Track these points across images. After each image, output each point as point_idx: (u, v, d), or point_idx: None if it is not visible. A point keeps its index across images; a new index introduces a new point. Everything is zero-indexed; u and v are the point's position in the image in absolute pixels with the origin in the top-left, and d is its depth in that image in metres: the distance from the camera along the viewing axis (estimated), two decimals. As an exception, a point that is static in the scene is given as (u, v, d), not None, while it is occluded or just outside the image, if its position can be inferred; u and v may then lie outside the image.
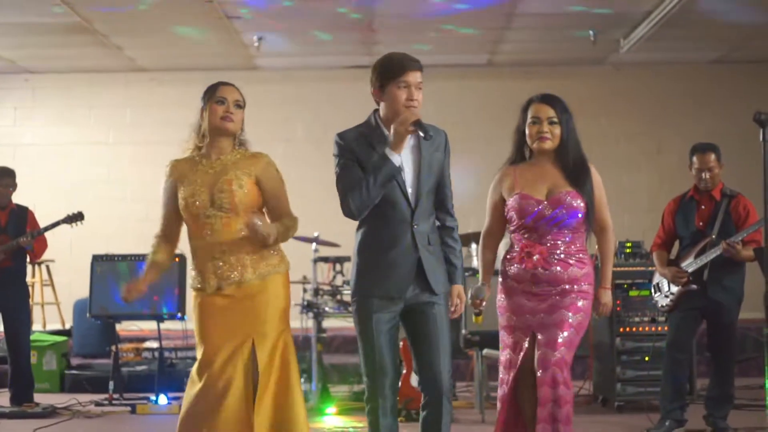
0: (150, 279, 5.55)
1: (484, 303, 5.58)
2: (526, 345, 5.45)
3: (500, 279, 5.63)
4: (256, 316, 5.33)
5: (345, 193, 5.10)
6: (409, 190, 5.13)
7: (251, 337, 5.30)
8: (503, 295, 5.59)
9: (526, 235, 5.49)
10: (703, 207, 7.74)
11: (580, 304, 5.46)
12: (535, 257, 5.43)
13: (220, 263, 5.32)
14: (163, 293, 9.32)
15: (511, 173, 5.59)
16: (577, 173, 5.50)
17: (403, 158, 5.12)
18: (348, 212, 5.11)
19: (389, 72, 5.14)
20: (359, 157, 5.10)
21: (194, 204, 5.33)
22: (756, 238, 7.45)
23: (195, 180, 5.37)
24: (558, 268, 5.44)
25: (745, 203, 7.66)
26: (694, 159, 7.76)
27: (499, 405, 5.59)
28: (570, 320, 5.42)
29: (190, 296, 5.53)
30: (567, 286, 5.45)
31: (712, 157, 7.70)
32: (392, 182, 5.05)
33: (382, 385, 5.13)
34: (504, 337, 5.59)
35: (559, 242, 5.46)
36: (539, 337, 5.43)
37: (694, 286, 7.60)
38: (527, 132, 5.53)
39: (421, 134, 5.02)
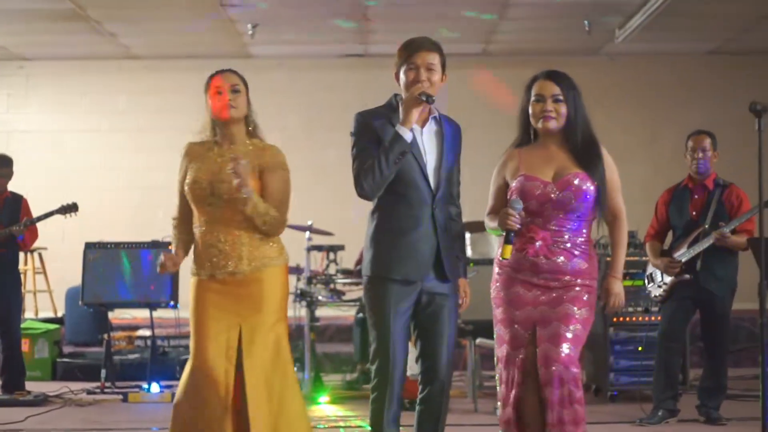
0: (183, 256, 5.51)
1: (519, 221, 4.96)
2: (527, 341, 5.03)
3: (495, 268, 5.22)
4: (248, 306, 5.29)
5: (359, 174, 5.03)
6: (431, 173, 5.10)
7: (239, 325, 5.26)
8: (499, 285, 5.14)
9: (528, 219, 5.04)
10: (696, 197, 7.75)
11: (585, 297, 5.04)
12: (537, 243, 5.00)
13: (216, 251, 5.31)
14: (156, 281, 9.30)
15: (516, 155, 5.17)
16: (587, 155, 5.09)
17: (426, 143, 5.13)
18: (362, 193, 5.05)
19: (401, 55, 5.13)
20: (380, 137, 5.05)
21: (195, 190, 5.30)
22: (749, 228, 7.46)
23: (201, 166, 5.34)
24: (561, 258, 5.02)
25: (738, 193, 7.67)
26: (689, 142, 7.77)
27: (500, 405, 5.16)
28: (576, 314, 5.00)
29: (188, 283, 5.48)
30: (569, 279, 5.03)
31: (708, 140, 7.72)
32: (404, 159, 5.00)
33: (392, 376, 5.07)
34: (500, 332, 5.12)
35: (564, 229, 5.04)
36: (541, 332, 5.01)
37: (687, 276, 7.61)
38: (531, 111, 5.13)
39: (425, 98, 4.98)
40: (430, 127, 5.17)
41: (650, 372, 8.05)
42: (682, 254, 7.61)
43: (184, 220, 5.50)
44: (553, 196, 5.04)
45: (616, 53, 14.38)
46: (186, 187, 5.36)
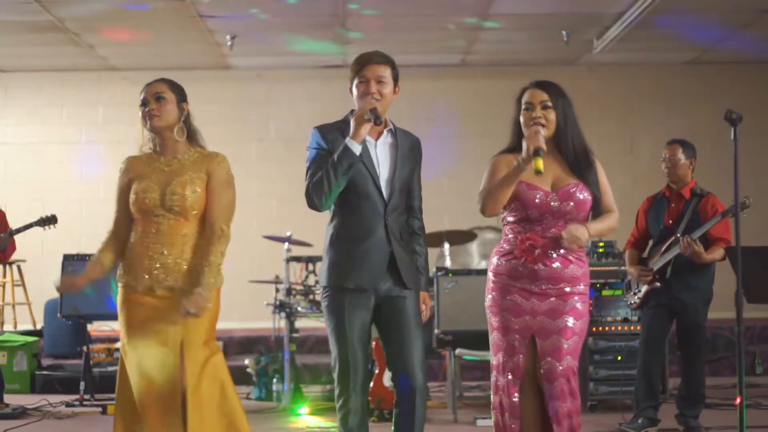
0: (91, 276, 5.39)
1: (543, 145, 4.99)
2: (525, 349, 5.10)
3: (490, 276, 5.21)
4: (186, 321, 5.11)
5: (308, 186, 5.17)
6: (384, 185, 5.20)
7: (179, 341, 5.12)
8: (495, 293, 5.17)
9: (527, 227, 5.11)
10: (673, 205, 7.79)
11: (580, 307, 5.11)
12: (537, 251, 5.04)
13: (157, 265, 5.19)
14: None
15: (513, 160, 5.12)
16: (581, 164, 5.19)
17: (380, 154, 5.23)
18: (311, 204, 5.18)
19: (353, 69, 5.26)
20: (333, 150, 5.15)
21: (144, 200, 5.22)
22: (725, 237, 7.49)
23: (150, 176, 5.28)
24: (558, 264, 5.07)
25: (714, 202, 7.68)
26: (664, 151, 7.84)
27: (494, 414, 5.20)
28: (572, 325, 5.07)
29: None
30: (567, 288, 5.10)
31: (680, 149, 7.76)
32: (353, 170, 5.09)
33: (354, 383, 5.12)
34: (497, 340, 5.16)
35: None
36: (542, 344, 5.08)
37: (658, 284, 7.64)
38: (522, 120, 5.17)
39: (373, 119, 5.06)
40: (385, 139, 5.29)
41: (630, 381, 8.07)
42: (655, 262, 7.66)
43: (117, 238, 5.42)
44: (554, 205, 5.11)
45: (593, 64, 14.42)
46: (133, 197, 5.28)
